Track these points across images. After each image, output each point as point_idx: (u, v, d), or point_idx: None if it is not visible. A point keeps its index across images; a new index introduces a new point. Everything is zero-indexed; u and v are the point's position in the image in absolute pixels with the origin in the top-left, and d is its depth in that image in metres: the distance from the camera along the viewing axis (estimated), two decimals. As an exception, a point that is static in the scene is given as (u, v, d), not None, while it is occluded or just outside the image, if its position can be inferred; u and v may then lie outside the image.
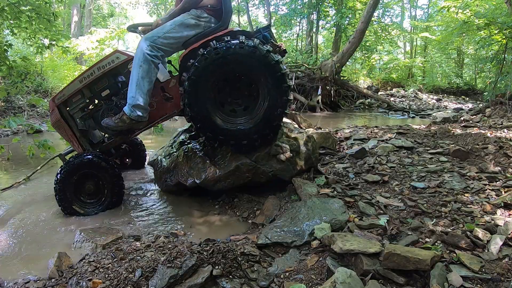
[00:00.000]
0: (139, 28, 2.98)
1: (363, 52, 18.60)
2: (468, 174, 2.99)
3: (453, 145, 3.77)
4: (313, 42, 17.03)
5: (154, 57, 2.68)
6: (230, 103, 2.82)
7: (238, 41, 2.59)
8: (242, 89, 2.80)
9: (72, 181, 2.83)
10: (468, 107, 12.94)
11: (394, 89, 19.21)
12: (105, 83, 3.00)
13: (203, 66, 2.61)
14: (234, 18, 22.51)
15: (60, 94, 3.07)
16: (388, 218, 2.28)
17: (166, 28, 2.74)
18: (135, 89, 2.68)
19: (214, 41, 2.63)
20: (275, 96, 2.71)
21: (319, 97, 11.81)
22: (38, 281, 1.83)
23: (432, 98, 17.07)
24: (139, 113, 2.74)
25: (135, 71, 2.68)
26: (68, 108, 3.10)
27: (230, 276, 1.81)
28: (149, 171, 4.02)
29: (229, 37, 2.64)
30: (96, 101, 3.13)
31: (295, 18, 16.72)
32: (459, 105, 14.18)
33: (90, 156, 2.85)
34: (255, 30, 2.93)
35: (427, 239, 2.02)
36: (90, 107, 3.14)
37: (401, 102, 15.01)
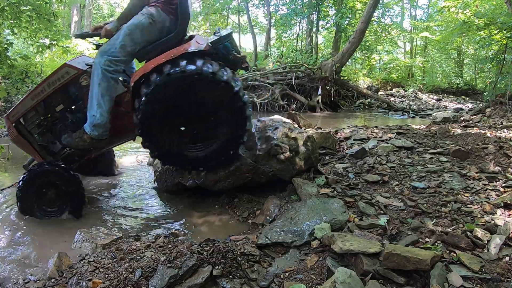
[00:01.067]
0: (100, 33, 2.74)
1: (363, 52, 18.59)
2: (468, 174, 2.99)
3: (453, 145, 3.77)
4: (313, 42, 17.01)
5: (113, 72, 2.52)
6: (187, 129, 2.68)
7: (179, 68, 2.41)
8: (198, 114, 2.64)
9: (32, 191, 2.72)
10: (468, 107, 12.94)
11: (394, 89, 19.20)
12: (58, 98, 2.82)
13: (148, 104, 2.46)
14: (234, 18, 22.52)
15: (14, 111, 2.93)
16: (388, 218, 2.28)
17: (120, 37, 2.53)
18: (96, 108, 2.53)
19: (154, 74, 2.45)
20: (231, 116, 2.58)
21: (319, 97, 11.80)
22: (38, 281, 1.83)
23: (432, 98, 17.07)
24: (100, 132, 2.62)
25: (94, 89, 2.52)
26: (25, 124, 2.96)
27: (230, 276, 1.81)
28: (145, 172, 4.02)
29: (169, 66, 2.44)
30: (52, 115, 2.94)
31: (295, 18, 16.70)
32: (459, 105, 14.17)
33: (46, 166, 2.74)
34: (216, 36, 2.70)
35: (427, 239, 2.02)
36: (47, 122, 2.94)
37: (401, 102, 15.00)
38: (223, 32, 2.72)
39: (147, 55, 2.64)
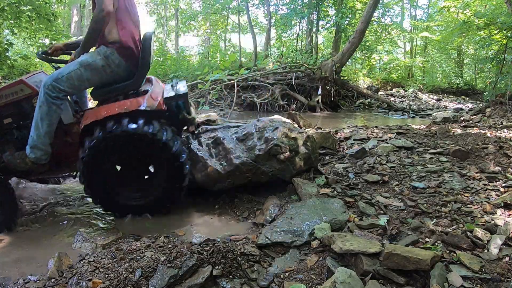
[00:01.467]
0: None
1: (363, 52, 18.57)
2: (468, 174, 2.99)
3: (453, 145, 3.77)
4: (313, 42, 17.00)
5: (55, 99, 2.46)
6: (126, 179, 2.73)
7: (131, 126, 2.46)
8: (137, 167, 2.72)
9: None
10: (468, 107, 12.93)
11: (394, 89, 19.17)
12: (8, 111, 2.73)
13: (92, 154, 2.49)
14: (234, 18, 22.51)
15: None
16: (388, 218, 2.29)
17: (70, 67, 2.50)
18: (34, 129, 2.51)
19: (97, 130, 2.47)
20: (169, 174, 2.64)
21: (319, 97, 11.79)
22: (38, 281, 1.83)
23: (432, 98, 17.05)
24: (38, 155, 2.56)
25: (36, 111, 2.49)
26: None
27: (230, 276, 1.81)
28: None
29: (123, 120, 2.48)
30: None
31: (295, 18, 16.69)
32: (459, 105, 14.16)
33: None
34: (172, 91, 2.77)
35: (427, 239, 2.02)
36: None
37: (401, 102, 14.98)
38: (180, 90, 2.78)
39: (101, 96, 2.65)
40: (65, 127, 2.72)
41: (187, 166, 2.71)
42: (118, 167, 2.72)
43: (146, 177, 2.79)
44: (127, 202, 2.70)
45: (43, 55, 2.79)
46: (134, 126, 2.47)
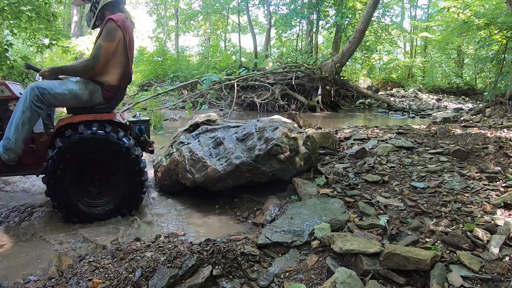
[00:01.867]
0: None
1: (363, 52, 18.55)
2: (468, 174, 2.99)
3: (453, 145, 3.77)
4: (313, 42, 16.98)
5: (38, 108, 2.61)
6: (93, 186, 2.81)
7: (90, 131, 2.61)
8: (100, 172, 2.81)
9: None
10: (468, 107, 12.93)
11: (394, 89, 19.18)
12: None
13: (58, 157, 2.59)
14: (234, 18, 22.51)
15: None
16: (388, 218, 2.29)
17: (59, 89, 2.67)
18: (13, 133, 2.59)
19: (69, 130, 2.63)
20: (129, 179, 2.75)
21: (319, 97, 11.79)
22: (38, 281, 1.83)
23: (432, 98, 17.06)
24: (11, 157, 2.64)
25: (17, 114, 2.58)
26: None
27: (230, 276, 1.81)
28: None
29: (95, 125, 2.65)
30: None
31: (295, 18, 16.69)
32: (459, 105, 14.17)
33: None
34: (136, 118, 3.11)
35: (427, 239, 2.02)
36: None
37: (401, 102, 14.99)
38: (142, 118, 3.19)
39: (75, 111, 2.80)
40: (33, 135, 2.84)
41: (146, 176, 2.86)
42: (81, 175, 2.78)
43: (105, 184, 2.84)
44: (86, 210, 2.75)
45: (33, 67, 2.98)
46: (104, 131, 2.66)
